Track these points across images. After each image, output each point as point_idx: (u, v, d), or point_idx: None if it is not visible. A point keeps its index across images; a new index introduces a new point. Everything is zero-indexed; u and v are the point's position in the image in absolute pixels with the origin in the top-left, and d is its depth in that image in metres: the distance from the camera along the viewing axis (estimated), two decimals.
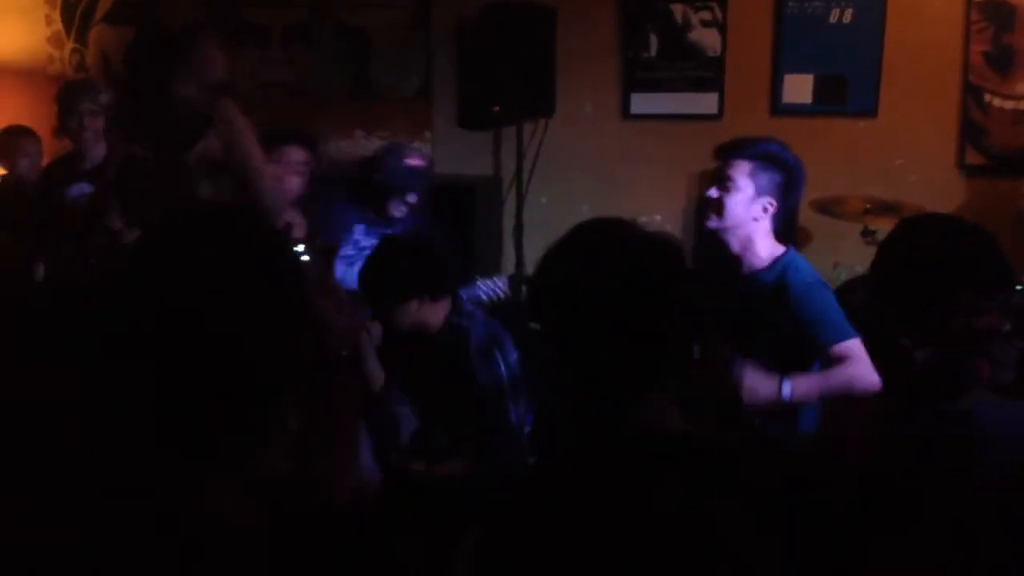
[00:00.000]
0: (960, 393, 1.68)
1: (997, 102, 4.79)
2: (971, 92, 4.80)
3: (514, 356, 3.16)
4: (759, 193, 2.93)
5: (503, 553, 1.39)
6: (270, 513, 1.22)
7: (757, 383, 2.71)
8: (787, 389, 2.70)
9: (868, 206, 4.31)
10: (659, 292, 1.47)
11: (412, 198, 4.07)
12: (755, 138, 3.04)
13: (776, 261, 2.95)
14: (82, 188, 4.14)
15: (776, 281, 2.91)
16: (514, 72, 4.96)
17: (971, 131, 4.83)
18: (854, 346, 2.73)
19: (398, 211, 4.07)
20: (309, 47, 5.76)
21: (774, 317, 2.86)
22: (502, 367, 3.12)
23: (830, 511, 1.75)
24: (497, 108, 5.00)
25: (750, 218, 2.94)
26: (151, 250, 1.23)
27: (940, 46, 4.82)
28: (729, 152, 2.98)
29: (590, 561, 1.33)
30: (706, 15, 5.10)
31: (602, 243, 1.52)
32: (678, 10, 5.13)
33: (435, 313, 3.12)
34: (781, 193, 2.94)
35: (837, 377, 2.74)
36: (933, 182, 4.85)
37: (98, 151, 4.19)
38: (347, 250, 4.05)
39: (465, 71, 5.43)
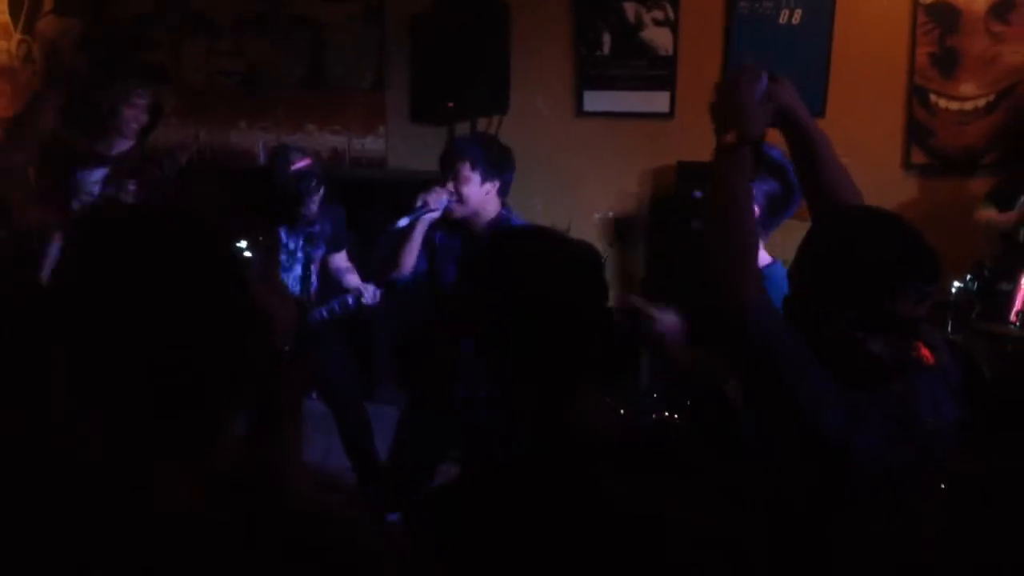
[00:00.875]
0: (908, 376, 1.76)
1: (943, 103, 4.86)
2: (917, 93, 4.87)
3: None
4: None
5: (462, 561, 1.40)
6: (225, 505, 1.22)
7: (669, 323, 2.67)
8: None
9: None
10: (580, 294, 1.50)
11: (315, 196, 4.11)
12: None
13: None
14: (102, 172, 4.56)
15: None
16: (468, 67, 4.97)
17: (917, 132, 4.91)
18: None
19: (308, 211, 4.10)
20: (261, 37, 5.71)
21: None
22: None
23: (788, 494, 1.80)
24: (451, 103, 5.00)
25: None
26: (88, 252, 1.23)
27: (887, 47, 4.89)
28: None
29: (546, 561, 1.34)
30: (658, 14, 5.14)
31: (523, 250, 1.54)
32: (630, 9, 5.16)
33: (493, 202, 3.52)
34: (771, 203, 2.66)
35: None
36: (880, 182, 4.88)
37: (123, 143, 4.66)
38: (279, 256, 4.08)
39: (419, 65, 5.43)
